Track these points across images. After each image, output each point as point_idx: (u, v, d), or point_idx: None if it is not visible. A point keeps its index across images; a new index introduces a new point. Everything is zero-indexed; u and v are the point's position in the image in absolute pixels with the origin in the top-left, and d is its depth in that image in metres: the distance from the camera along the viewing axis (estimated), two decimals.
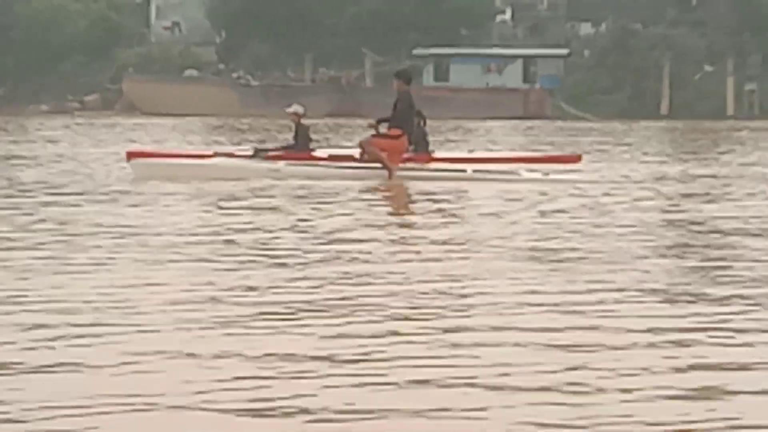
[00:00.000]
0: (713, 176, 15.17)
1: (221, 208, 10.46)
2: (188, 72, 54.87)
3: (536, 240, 8.13)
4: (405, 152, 14.03)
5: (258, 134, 29.58)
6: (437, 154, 15.45)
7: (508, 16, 61.40)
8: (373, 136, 14.07)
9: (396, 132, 13.71)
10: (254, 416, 3.54)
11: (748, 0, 53.07)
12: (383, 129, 14.01)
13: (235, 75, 54.60)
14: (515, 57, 53.26)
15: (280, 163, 14.12)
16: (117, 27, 57.91)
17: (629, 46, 51.82)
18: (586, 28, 58.07)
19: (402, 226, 9.38)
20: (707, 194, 12.56)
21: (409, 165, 14.24)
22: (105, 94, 54.19)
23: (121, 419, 3.49)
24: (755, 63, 51.32)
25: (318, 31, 54.37)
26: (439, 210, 10.51)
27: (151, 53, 56.74)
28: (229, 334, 4.67)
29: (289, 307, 5.29)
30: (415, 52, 52.24)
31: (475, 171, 14.10)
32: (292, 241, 7.87)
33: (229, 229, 8.68)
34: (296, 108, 15.74)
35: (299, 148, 15.33)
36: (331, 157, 15.22)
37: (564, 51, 53.89)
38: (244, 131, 32.29)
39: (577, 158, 17.31)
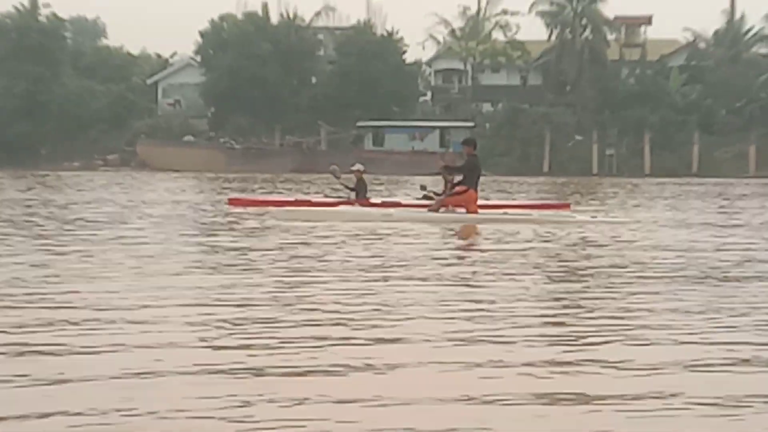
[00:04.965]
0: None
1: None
2: (186, 138, 58.56)
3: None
4: (476, 201, 14.17)
5: (239, 184, 30.38)
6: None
7: (428, 97, 66.26)
8: (447, 197, 14.35)
9: (462, 188, 14.08)
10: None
11: (608, 88, 58.73)
12: (447, 175, 14.67)
13: (222, 140, 58.00)
14: (434, 128, 57.96)
15: (392, 210, 14.38)
16: (132, 104, 61.89)
17: (518, 121, 56.45)
18: (486, 107, 62.19)
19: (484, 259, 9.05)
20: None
21: (486, 211, 14.40)
22: (123, 154, 57.90)
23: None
24: (612, 134, 56.16)
25: (284, 108, 58.71)
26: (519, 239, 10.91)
27: (158, 123, 60.59)
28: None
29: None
30: (359, 124, 57.39)
31: (540, 215, 14.19)
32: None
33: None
34: (359, 166, 16.28)
35: (361, 196, 16.05)
36: (383, 203, 15.95)
37: (470, 124, 57.78)
38: (230, 182, 33.27)
39: (566, 205, 17.57)
